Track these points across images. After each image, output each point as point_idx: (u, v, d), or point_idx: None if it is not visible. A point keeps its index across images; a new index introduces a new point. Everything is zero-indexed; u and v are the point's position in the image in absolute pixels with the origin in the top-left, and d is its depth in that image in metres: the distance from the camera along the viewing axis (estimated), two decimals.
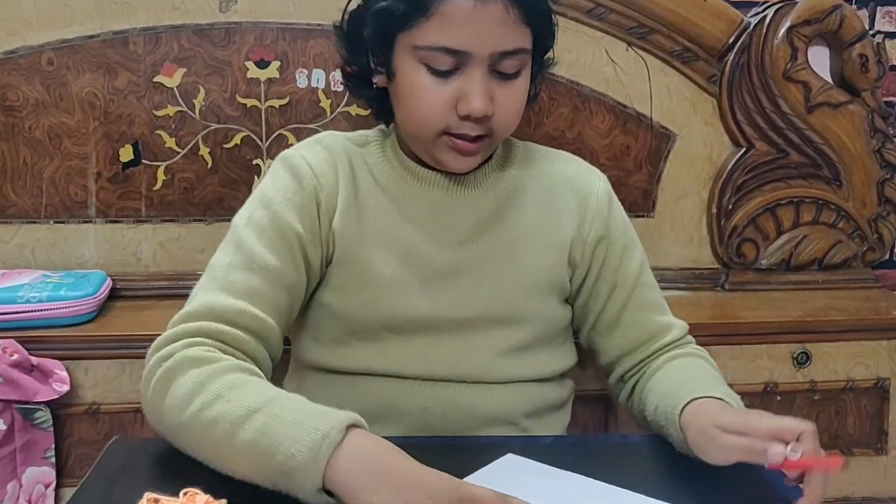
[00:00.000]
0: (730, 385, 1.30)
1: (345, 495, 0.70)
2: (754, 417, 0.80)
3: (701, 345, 1.06)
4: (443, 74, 0.89)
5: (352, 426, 0.72)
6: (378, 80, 0.96)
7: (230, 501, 0.74)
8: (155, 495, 0.73)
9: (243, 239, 0.91)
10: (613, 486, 0.79)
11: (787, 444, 0.75)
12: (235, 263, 0.90)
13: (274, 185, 0.95)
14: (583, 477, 0.80)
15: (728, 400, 0.88)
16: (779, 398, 1.37)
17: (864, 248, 1.58)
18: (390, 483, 0.68)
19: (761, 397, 1.36)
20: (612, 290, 1.02)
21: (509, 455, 0.83)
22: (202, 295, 0.88)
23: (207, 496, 0.74)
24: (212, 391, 0.78)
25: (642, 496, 0.78)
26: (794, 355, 1.36)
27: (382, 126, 1.03)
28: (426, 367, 0.95)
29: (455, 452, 0.76)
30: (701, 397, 0.87)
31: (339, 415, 0.73)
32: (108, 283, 1.38)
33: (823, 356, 1.37)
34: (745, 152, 1.53)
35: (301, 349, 1.00)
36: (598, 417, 1.36)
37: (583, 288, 1.03)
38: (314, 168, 0.95)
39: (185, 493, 0.74)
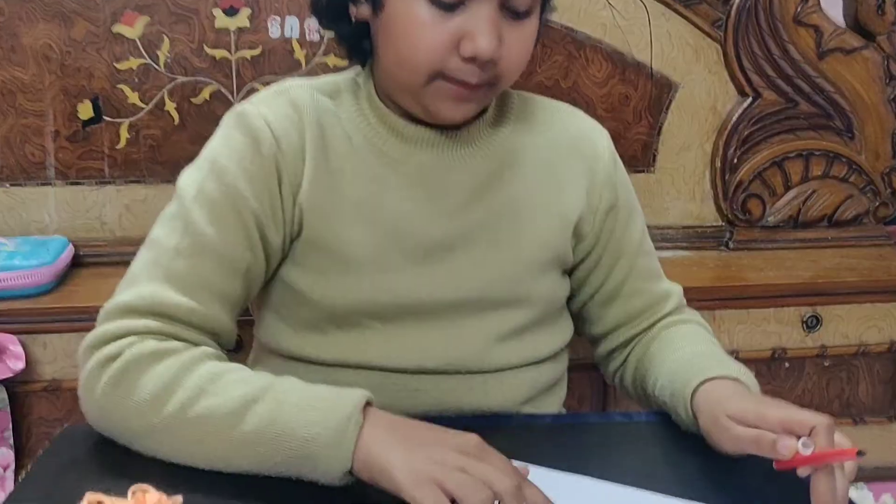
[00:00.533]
0: (735, 352, 1.26)
1: (371, 468, 0.67)
2: (766, 406, 0.73)
3: (705, 308, 1.01)
4: (446, 7, 0.77)
5: (367, 403, 0.71)
6: (358, 11, 0.84)
7: (187, 497, 0.67)
8: (98, 496, 0.66)
9: (193, 217, 0.80)
10: (614, 484, 0.74)
11: (798, 437, 0.69)
12: (183, 248, 0.79)
13: (227, 149, 0.83)
14: (581, 476, 0.75)
15: (742, 379, 0.81)
16: (787, 365, 1.32)
17: (877, 204, 1.51)
18: (415, 444, 0.67)
19: (769, 364, 1.31)
20: (616, 261, 0.95)
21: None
22: (144, 284, 0.78)
23: (160, 494, 0.68)
24: (190, 387, 0.72)
25: (642, 491, 0.73)
26: (804, 319, 1.31)
27: (352, 72, 0.91)
28: (415, 358, 0.86)
29: None
30: (713, 378, 0.80)
31: (353, 393, 0.71)
32: (70, 249, 1.30)
33: (834, 319, 1.31)
34: (752, 102, 1.45)
35: (267, 332, 0.90)
36: (597, 387, 1.30)
37: (586, 260, 0.95)
38: (275, 130, 0.83)
39: (134, 492, 0.67)
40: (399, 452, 0.66)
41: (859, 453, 0.68)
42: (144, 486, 0.67)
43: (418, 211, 0.85)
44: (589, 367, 1.16)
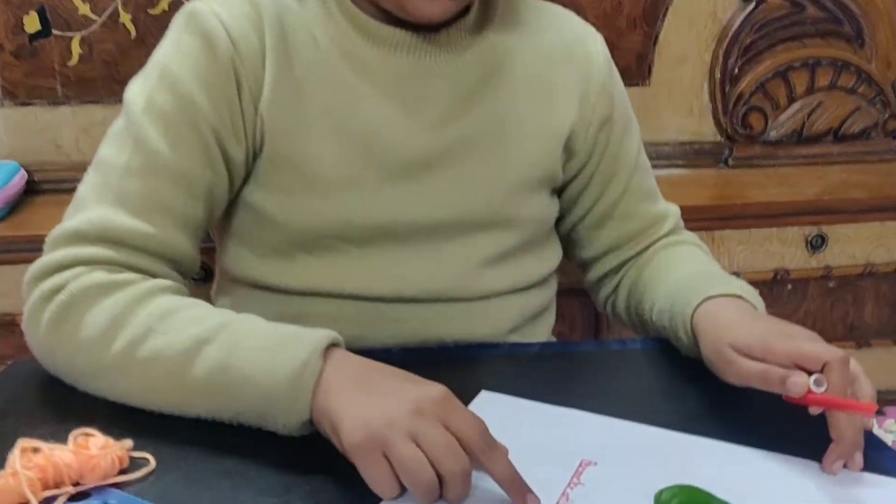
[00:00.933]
0: (736, 273, 1.20)
1: (325, 421, 0.60)
2: (774, 338, 0.66)
3: (703, 229, 0.98)
4: None
5: (330, 346, 0.63)
6: None
7: (139, 442, 0.62)
8: (33, 443, 0.59)
9: (143, 131, 0.73)
10: (609, 418, 0.68)
11: (810, 373, 0.63)
12: (135, 166, 0.72)
13: (178, 55, 0.75)
14: (567, 409, 0.70)
15: (746, 296, 0.76)
16: (790, 287, 1.28)
17: (886, 116, 1.45)
18: (372, 396, 0.59)
19: (770, 286, 1.26)
20: (609, 180, 0.88)
21: (483, 392, 0.71)
22: (93, 207, 0.71)
23: (106, 439, 0.61)
24: (139, 324, 0.66)
25: (640, 425, 0.68)
26: (808, 239, 1.26)
27: None
28: (392, 285, 0.79)
29: (431, 370, 0.63)
30: (715, 296, 0.75)
31: (314, 336, 0.63)
32: (22, 175, 1.22)
33: (840, 239, 1.27)
34: (755, 7, 1.37)
35: (230, 259, 0.83)
36: (588, 313, 1.26)
37: (577, 178, 0.88)
38: (231, 30, 0.74)
39: (76, 438, 0.60)
40: (352, 406, 0.59)
41: (878, 412, 0.63)
42: (89, 430, 0.62)
43: (394, 123, 0.78)
44: (579, 292, 1.12)
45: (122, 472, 0.59)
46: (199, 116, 0.73)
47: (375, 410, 0.57)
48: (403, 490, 0.56)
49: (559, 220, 0.91)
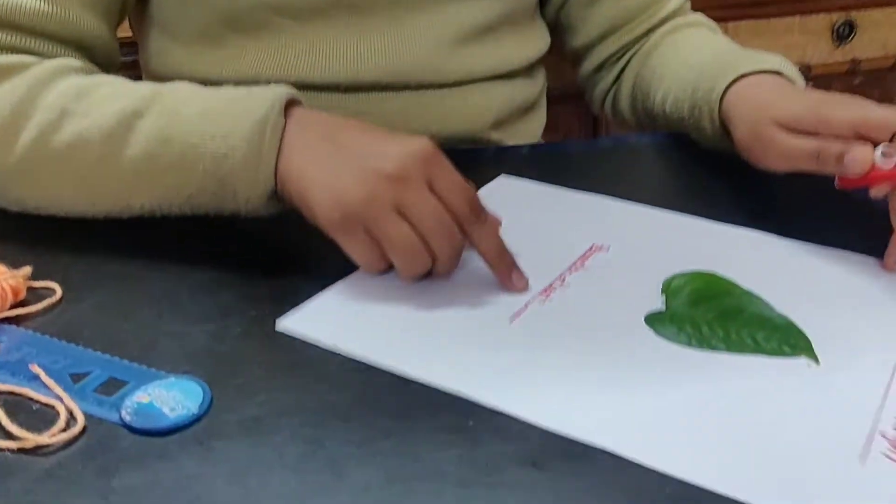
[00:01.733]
0: None
1: (291, 188, 0.51)
2: (830, 106, 0.55)
3: (714, 19, 0.82)
4: None
5: (291, 102, 0.53)
6: None
7: (40, 267, 0.52)
8: None
9: None
10: (626, 202, 0.60)
11: (875, 145, 0.52)
12: None
13: None
14: (590, 195, 0.62)
15: (785, 72, 0.63)
16: (811, 84, 1.13)
17: None
18: (348, 156, 0.51)
19: None
20: None
21: (502, 176, 0.65)
22: None
23: None
24: (49, 108, 0.54)
25: (663, 211, 0.59)
26: (835, 27, 1.13)
27: None
28: (346, 69, 0.68)
29: None
30: (748, 73, 0.62)
31: (270, 90, 0.53)
32: None
33: (870, 26, 1.14)
34: None
35: (153, 56, 0.72)
36: (586, 120, 1.13)
37: None
38: None
39: None
40: (323, 172, 0.50)
41: None
42: None
43: None
44: (574, 97, 0.99)
45: (20, 304, 0.49)
46: None
47: (351, 178, 0.49)
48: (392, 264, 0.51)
49: (546, 4, 0.80)
